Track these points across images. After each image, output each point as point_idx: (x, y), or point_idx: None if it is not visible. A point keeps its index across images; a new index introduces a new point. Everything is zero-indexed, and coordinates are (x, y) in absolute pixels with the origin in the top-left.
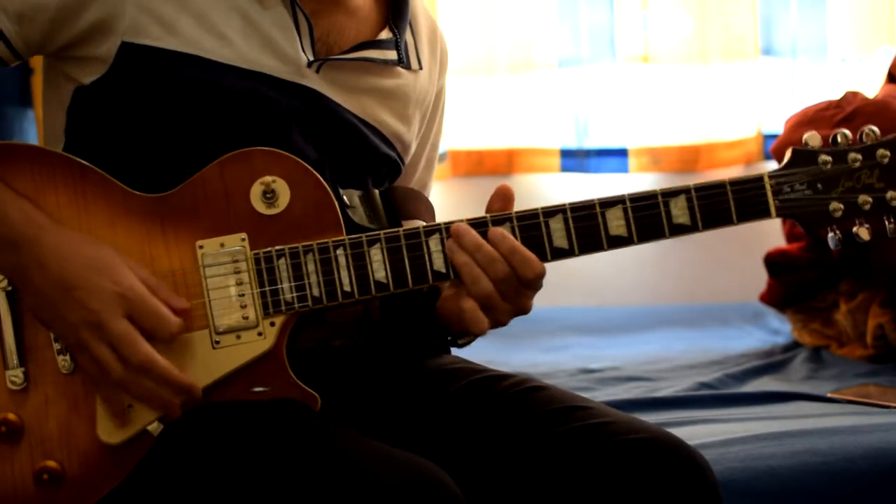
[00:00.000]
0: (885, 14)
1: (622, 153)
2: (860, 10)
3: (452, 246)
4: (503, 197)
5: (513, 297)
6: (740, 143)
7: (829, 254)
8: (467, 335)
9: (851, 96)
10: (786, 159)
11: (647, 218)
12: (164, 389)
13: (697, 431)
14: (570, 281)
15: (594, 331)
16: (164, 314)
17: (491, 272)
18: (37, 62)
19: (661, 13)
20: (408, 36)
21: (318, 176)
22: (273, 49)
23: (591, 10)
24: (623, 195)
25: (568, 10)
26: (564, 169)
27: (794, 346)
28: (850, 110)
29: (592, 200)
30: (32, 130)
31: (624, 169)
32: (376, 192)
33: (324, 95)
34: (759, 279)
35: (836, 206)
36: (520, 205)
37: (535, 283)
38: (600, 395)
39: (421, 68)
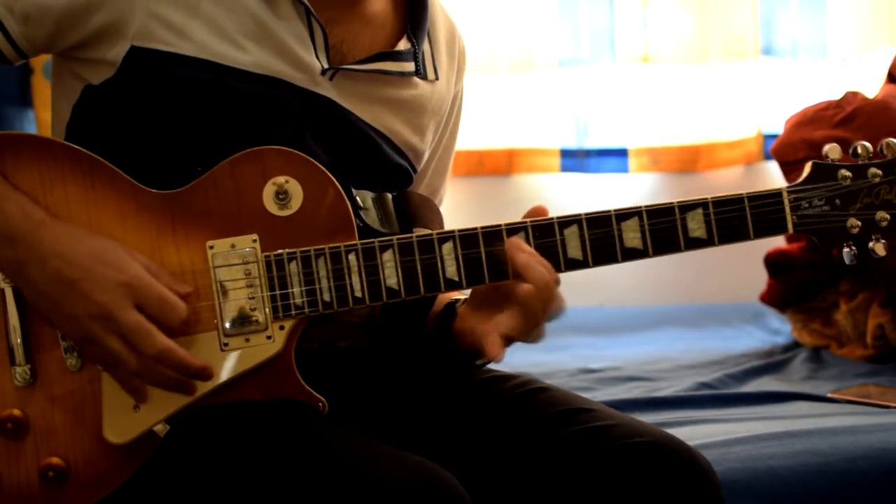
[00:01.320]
0: (885, 14)
1: (622, 153)
2: (860, 10)
3: (515, 246)
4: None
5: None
6: (740, 143)
7: (829, 254)
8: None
9: (851, 96)
10: (805, 173)
11: (663, 231)
12: (178, 375)
13: (697, 431)
14: (570, 281)
15: (594, 331)
16: (171, 300)
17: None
18: (37, 62)
19: (661, 13)
20: (425, 45)
21: (332, 177)
22: (287, 56)
23: (591, 10)
24: (640, 207)
25: (568, 10)
26: (564, 169)
27: (794, 346)
28: (850, 110)
29: (608, 211)
30: (32, 130)
31: (624, 169)
32: (389, 196)
33: (337, 103)
34: (759, 279)
35: (854, 223)
36: (520, 205)
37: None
38: (600, 395)
39: (437, 79)
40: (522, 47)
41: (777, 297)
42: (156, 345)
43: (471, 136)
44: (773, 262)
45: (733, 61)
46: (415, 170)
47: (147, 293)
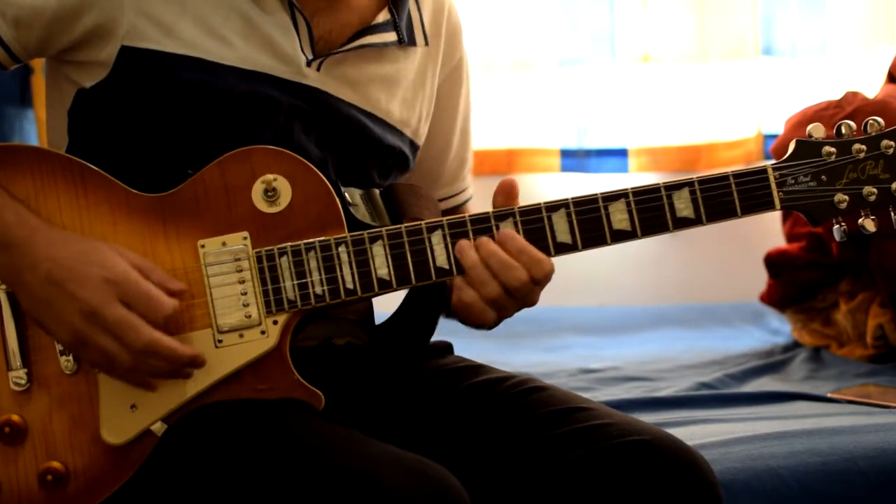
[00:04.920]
0: (885, 13)
1: (622, 153)
2: (860, 10)
3: (464, 246)
4: (506, 192)
5: (523, 295)
6: (740, 143)
7: (828, 254)
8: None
9: (851, 96)
10: (790, 150)
11: (651, 211)
12: (171, 365)
13: (697, 431)
14: (570, 281)
15: (594, 331)
16: (155, 295)
17: (504, 278)
18: (37, 62)
19: (661, 13)
20: (413, 10)
21: (319, 173)
22: (273, 50)
23: (591, 10)
24: (626, 189)
25: (568, 10)
26: (564, 169)
27: (794, 346)
28: (850, 110)
29: (595, 194)
30: (32, 130)
31: (624, 169)
32: (376, 191)
33: (325, 92)
34: (759, 279)
35: (841, 198)
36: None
37: (544, 281)
38: (600, 395)
39: (427, 44)
40: (522, 47)
41: (777, 297)
42: (142, 338)
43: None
44: (773, 262)
45: (733, 61)
46: (415, 145)
47: (130, 289)
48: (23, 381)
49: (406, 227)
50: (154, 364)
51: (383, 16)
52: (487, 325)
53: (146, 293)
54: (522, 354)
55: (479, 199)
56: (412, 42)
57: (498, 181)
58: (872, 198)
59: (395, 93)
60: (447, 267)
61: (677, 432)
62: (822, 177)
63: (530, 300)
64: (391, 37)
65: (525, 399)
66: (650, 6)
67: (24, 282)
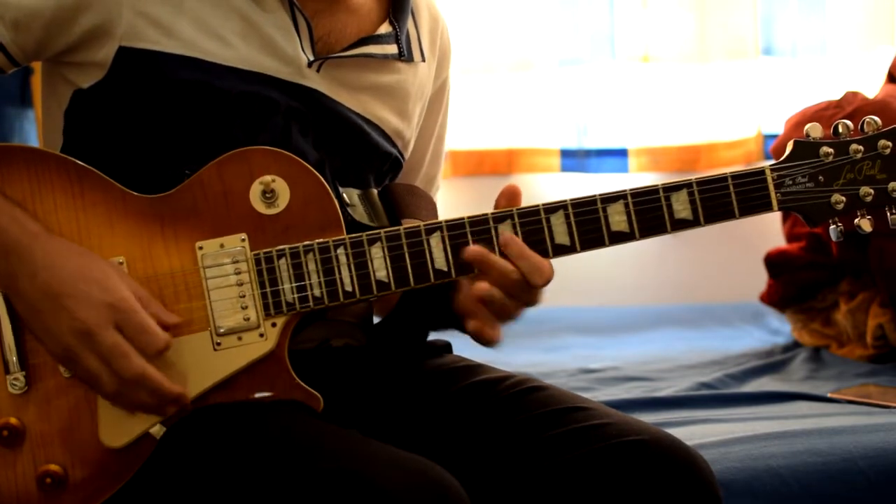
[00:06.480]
0: (885, 13)
1: (622, 153)
2: (860, 10)
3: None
4: (509, 197)
5: (525, 298)
6: (740, 143)
7: (828, 254)
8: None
9: (851, 96)
10: (787, 151)
11: (649, 213)
12: (155, 399)
13: (697, 431)
14: (570, 281)
15: (594, 331)
16: (152, 329)
17: (504, 286)
18: (36, 62)
19: (661, 13)
20: (410, 27)
21: (318, 174)
22: (273, 50)
23: (591, 10)
24: (624, 190)
25: (568, 10)
26: (564, 169)
27: (794, 346)
28: (849, 110)
29: (594, 196)
30: (32, 130)
31: (624, 169)
32: (374, 191)
33: (325, 95)
34: (759, 279)
35: (838, 199)
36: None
37: (544, 286)
38: (600, 395)
39: (423, 60)
40: (522, 47)
41: (777, 297)
42: (132, 368)
43: (471, 136)
44: (773, 262)
45: (733, 61)
46: (403, 157)
47: (128, 318)
48: (20, 384)
49: (404, 229)
50: (138, 395)
51: (385, 28)
52: (493, 346)
53: (143, 324)
54: (522, 354)
55: (479, 199)
56: (410, 58)
57: (498, 181)
58: (869, 198)
59: (391, 104)
60: (446, 269)
61: (677, 432)
62: (820, 177)
63: (531, 300)
64: (392, 49)
65: (524, 399)
66: (650, 6)
67: (19, 289)
